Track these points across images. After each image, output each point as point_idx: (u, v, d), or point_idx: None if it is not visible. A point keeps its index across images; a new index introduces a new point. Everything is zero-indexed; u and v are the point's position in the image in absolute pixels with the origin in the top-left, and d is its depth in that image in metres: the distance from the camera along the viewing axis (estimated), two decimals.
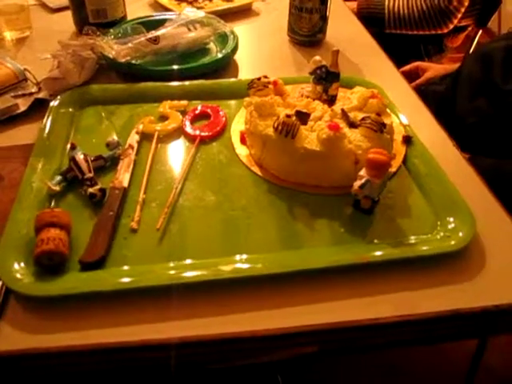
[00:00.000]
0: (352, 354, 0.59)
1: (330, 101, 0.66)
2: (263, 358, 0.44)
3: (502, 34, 1.35)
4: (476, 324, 0.48)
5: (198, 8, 0.97)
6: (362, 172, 0.51)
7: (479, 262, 0.50)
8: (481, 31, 1.67)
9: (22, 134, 0.65)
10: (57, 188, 0.54)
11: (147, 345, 0.42)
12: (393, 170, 0.59)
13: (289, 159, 0.56)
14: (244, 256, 0.49)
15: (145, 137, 0.64)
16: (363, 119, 0.57)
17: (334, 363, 1.03)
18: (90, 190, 0.53)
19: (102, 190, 0.54)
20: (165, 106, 0.68)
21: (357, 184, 0.51)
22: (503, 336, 0.50)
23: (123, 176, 0.57)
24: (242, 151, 0.62)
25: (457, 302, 0.46)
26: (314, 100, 0.64)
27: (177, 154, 0.62)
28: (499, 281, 0.48)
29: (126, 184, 0.56)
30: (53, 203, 0.54)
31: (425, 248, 0.50)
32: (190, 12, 0.83)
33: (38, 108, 0.69)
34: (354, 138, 0.56)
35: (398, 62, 0.98)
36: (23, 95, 0.70)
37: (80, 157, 0.57)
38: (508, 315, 0.47)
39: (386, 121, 0.58)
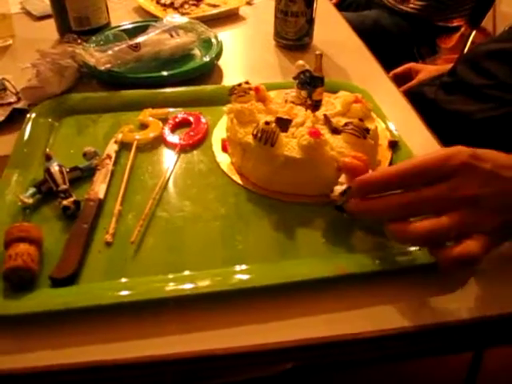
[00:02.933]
0: (333, 371, 0.56)
1: (315, 106, 0.64)
2: (237, 376, 0.42)
3: (496, 36, 1.34)
4: (465, 337, 0.46)
5: (184, 14, 0.96)
6: (342, 178, 0.49)
7: (467, 272, 0.48)
8: (475, 31, 1.66)
9: None
10: (29, 201, 0.53)
11: (122, 364, 0.41)
12: None
13: (269, 167, 0.55)
14: (221, 269, 0.47)
15: (124, 146, 0.62)
16: (346, 125, 0.56)
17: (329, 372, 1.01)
18: (64, 202, 0.52)
19: (76, 202, 0.52)
20: (145, 114, 0.66)
21: (337, 190, 0.49)
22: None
23: (99, 187, 0.55)
24: (222, 159, 0.60)
25: (443, 315, 0.44)
26: (298, 105, 0.63)
27: (156, 164, 0.61)
28: (488, 291, 0.47)
29: (101, 195, 0.54)
30: (26, 216, 0.53)
31: (409, 258, 0.48)
32: (173, 18, 0.81)
33: (17, 118, 0.67)
34: (336, 145, 0.54)
35: (391, 64, 0.97)
36: (1, 105, 0.68)
37: (55, 168, 0.55)
38: (499, 326, 0.45)
39: (370, 126, 0.57)
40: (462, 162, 0.42)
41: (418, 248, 0.49)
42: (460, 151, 0.42)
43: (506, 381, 1.02)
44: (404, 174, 0.43)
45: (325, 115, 0.58)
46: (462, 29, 1.66)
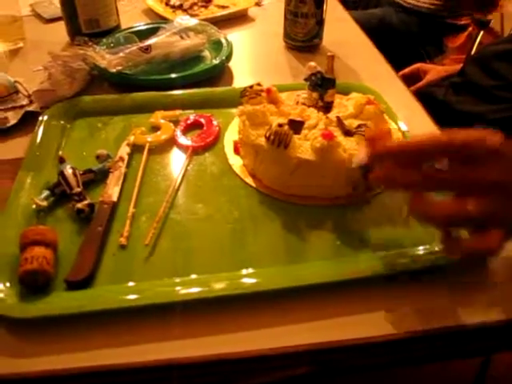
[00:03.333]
0: (343, 375, 0.56)
1: (326, 107, 0.64)
2: (245, 381, 0.42)
3: (505, 37, 1.33)
4: (473, 342, 0.46)
5: (193, 15, 0.96)
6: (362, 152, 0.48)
7: (481, 275, 0.48)
8: (483, 31, 1.65)
9: (13, 148, 0.64)
10: (44, 203, 0.53)
11: (130, 368, 0.41)
12: None
13: (282, 169, 0.54)
14: (230, 273, 0.47)
15: (136, 148, 0.62)
16: (359, 127, 0.56)
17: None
18: (78, 205, 0.52)
19: (91, 205, 0.52)
20: (157, 117, 0.67)
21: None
22: None
23: (112, 190, 0.55)
24: (235, 161, 0.60)
25: (454, 319, 0.44)
26: (309, 107, 0.63)
27: (168, 166, 0.61)
28: (497, 296, 0.46)
29: (115, 198, 0.54)
30: (40, 219, 0.53)
31: (419, 261, 0.48)
32: (183, 20, 0.81)
33: (29, 121, 0.68)
34: (350, 147, 0.54)
35: (399, 64, 0.97)
36: (13, 108, 0.69)
37: (68, 171, 0.55)
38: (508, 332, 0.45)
39: (384, 127, 0.56)
40: (497, 148, 0.40)
41: (430, 251, 0.49)
42: (495, 135, 0.40)
43: None
44: (437, 146, 0.41)
45: (337, 117, 0.58)
46: (470, 28, 1.66)
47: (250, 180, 0.58)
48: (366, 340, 0.43)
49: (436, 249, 0.49)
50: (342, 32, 0.96)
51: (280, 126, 0.53)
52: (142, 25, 0.89)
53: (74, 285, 0.46)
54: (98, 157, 0.59)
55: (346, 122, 0.58)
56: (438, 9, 1.49)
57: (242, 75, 0.81)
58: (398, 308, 0.45)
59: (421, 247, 0.50)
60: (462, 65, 1.08)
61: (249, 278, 0.46)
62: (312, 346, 0.42)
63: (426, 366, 1.05)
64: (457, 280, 0.47)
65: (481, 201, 0.39)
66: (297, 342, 0.42)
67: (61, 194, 0.55)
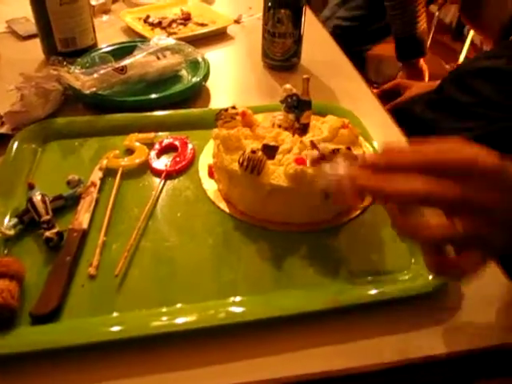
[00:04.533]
0: None
1: (303, 129, 0.64)
2: None
3: (482, 53, 1.35)
4: (453, 370, 0.45)
5: (171, 34, 0.95)
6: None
7: (456, 302, 0.48)
8: (467, 45, 1.66)
9: None
10: (11, 232, 0.51)
11: None
12: (365, 203, 0.57)
13: (256, 195, 0.54)
14: (208, 303, 0.46)
15: (109, 173, 0.61)
16: (333, 152, 0.55)
17: None
18: (47, 233, 0.51)
19: (59, 234, 0.51)
20: (131, 139, 0.66)
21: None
22: None
23: (83, 217, 0.54)
24: (209, 186, 0.60)
25: (432, 347, 0.44)
26: (286, 129, 0.62)
27: (142, 191, 0.60)
28: (476, 323, 0.46)
29: (85, 225, 0.53)
30: (8, 248, 0.51)
31: (401, 288, 0.48)
32: (160, 40, 0.81)
33: (0, 143, 0.66)
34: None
35: None
36: None
37: (38, 197, 0.54)
38: (490, 358, 0.45)
39: (357, 152, 0.56)
40: (491, 169, 0.38)
41: (408, 277, 0.49)
42: (489, 155, 0.38)
43: None
44: (427, 162, 0.39)
45: (311, 142, 0.57)
46: None
47: (224, 205, 0.57)
48: (347, 371, 0.42)
49: (411, 275, 0.49)
50: (320, 51, 0.96)
51: (253, 152, 0.53)
52: (118, 43, 0.88)
53: (40, 318, 0.44)
54: (68, 182, 0.58)
55: (321, 147, 0.57)
56: None
57: (220, 95, 0.80)
58: (380, 336, 0.45)
59: (396, 274, 0.49)
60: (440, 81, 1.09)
61: (227, 308, 0.45)
62: (300, 378, 0.42)
63: None
64: (424, 308, 0.47)
65: (472, 223, 0.38)
66: (282, 373, 0.42)
67: (29, 221, 0.53)
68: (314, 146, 0.57)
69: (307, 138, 0.59)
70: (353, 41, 1.54)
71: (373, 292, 0.47)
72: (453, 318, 0.46)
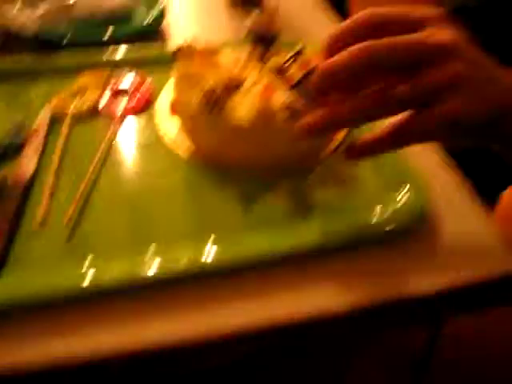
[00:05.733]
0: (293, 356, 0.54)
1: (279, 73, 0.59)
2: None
3: None
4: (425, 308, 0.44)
5: None
6: None
7: (433, 240, 0.46)
8: None
9: None
10: None
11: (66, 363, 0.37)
12: (339, 139, 0.53)
13: (217, 137, 0.50)
14: (164, 249, 0.43)
15: (57, 117, 0.56)
16: (305, 76, 0.50)
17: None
18: None
19: (1, 182, 0.46)
20: (82, 80, 0.60)
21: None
22: (459, 328, 0.46)
23: (28, 165, 0.49)
24: (167, 129, 0.55)
25: (406, 286, 0.42)
26: (249, 65, 0.57)
27: (93, 136, 0.54)
28: (454, 260, 0.44)
29: (30, 174, 0.48)
30: None
31: (372, 229, 0.45)
32: None
33: None
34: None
35: None
36: None
37: None
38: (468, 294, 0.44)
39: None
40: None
41: (383, 218, 0.46)
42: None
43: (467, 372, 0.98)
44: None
45: (278, 68, 0.52)
46: None
47: (183, 149, 0.53)
48: (320, 314, 0.40)
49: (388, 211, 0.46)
50: None
51: (213, 88, 0.48)
52: None
53: None
54: (11, 128, 0.52)
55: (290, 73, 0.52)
56: None
57: (179, 32, 0.74)
58: (349, 279, 0.42)
59: (370, 212, 0.46)
60: None
61: (179, 258, 0.42)
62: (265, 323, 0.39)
63: (367, 349, 1.01)
64: (400, 246, 0.45)
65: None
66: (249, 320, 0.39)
67: None
68: (280, 72, 0.52)
69: (272, 64, 0.53)
70: None
71: (344, 234, 0.44)
72: (425, 257, 0.44)
